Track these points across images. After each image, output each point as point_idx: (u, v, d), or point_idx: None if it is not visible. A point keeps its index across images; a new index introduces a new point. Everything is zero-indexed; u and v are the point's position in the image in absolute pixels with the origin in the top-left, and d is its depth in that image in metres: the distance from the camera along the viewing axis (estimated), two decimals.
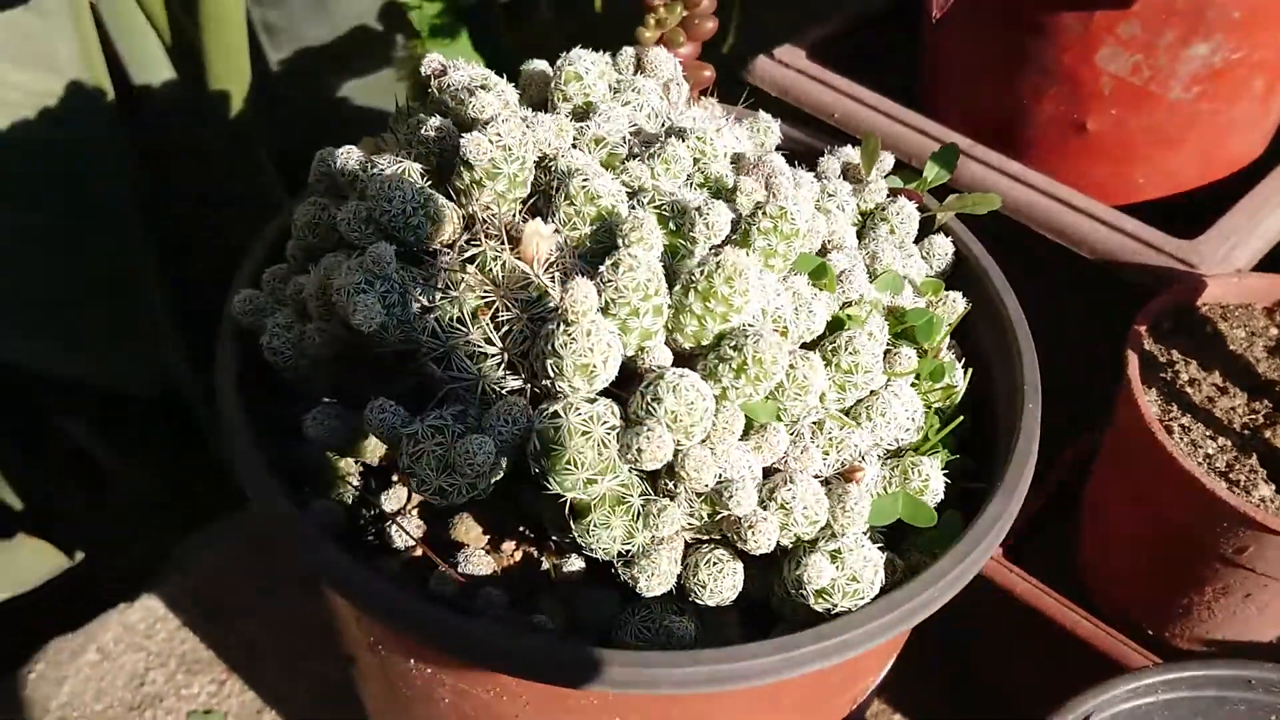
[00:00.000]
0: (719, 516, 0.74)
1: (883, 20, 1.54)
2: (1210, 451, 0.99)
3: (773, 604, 0.79)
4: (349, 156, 0.82)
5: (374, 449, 0.88)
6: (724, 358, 0.72)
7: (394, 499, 0.87)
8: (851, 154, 1.03)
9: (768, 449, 0.75)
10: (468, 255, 0.74)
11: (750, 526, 0.72)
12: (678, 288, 0.73)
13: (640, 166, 0.80)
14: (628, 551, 0.74)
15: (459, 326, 0.73)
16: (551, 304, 0.73)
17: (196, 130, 1.48)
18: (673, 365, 0.74)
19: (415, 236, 0.76)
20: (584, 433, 0.69)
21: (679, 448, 0.71)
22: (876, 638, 0.73)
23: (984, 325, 0.94)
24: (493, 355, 0.73)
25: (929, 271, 0.98)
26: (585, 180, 0.74)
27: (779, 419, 0.76)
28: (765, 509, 0.73)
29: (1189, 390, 1.03)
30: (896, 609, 0.73)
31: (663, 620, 0.76)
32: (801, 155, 1.05)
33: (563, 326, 0.68)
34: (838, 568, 0.73)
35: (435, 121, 0.79)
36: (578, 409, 0.70)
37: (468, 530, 0.85)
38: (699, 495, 0.74)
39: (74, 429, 1.53)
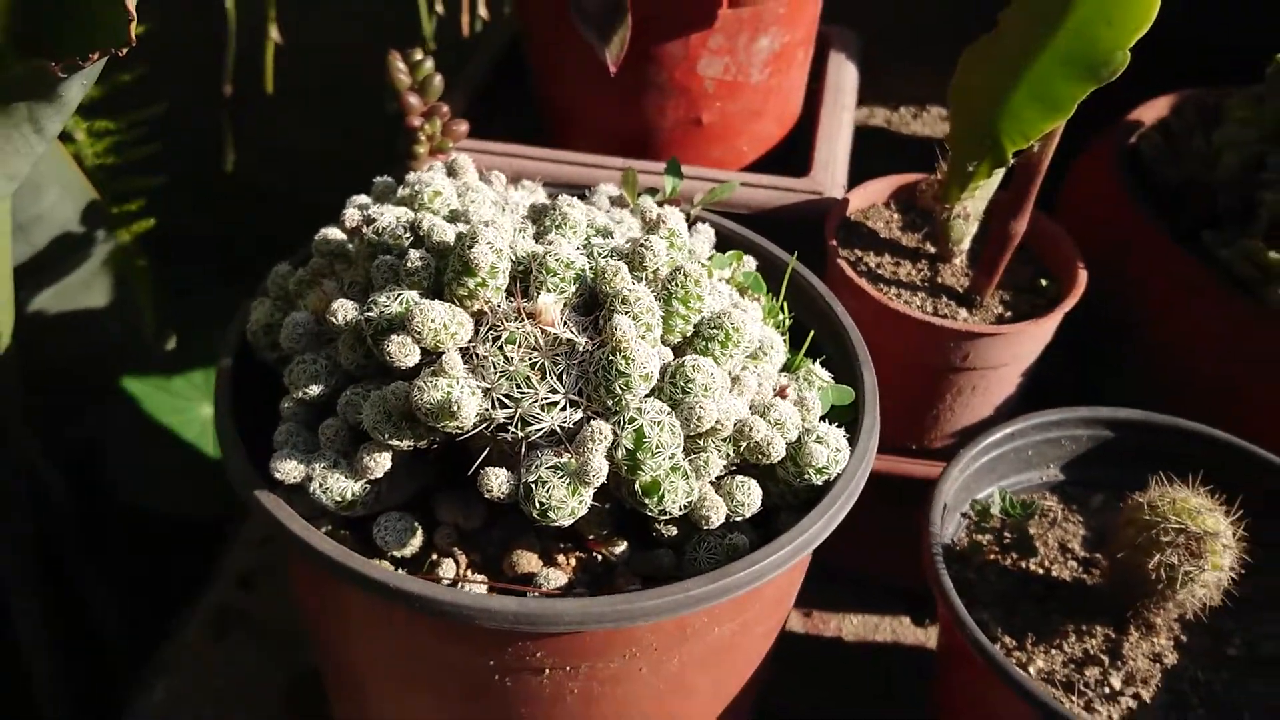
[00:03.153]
0: (743, 447, 1.01)
1: (489, 89, 1.82)
2: (918, 304, 1.41)
3: (770, 502, 1.07)
4: (344, 309, 0.97)
5: (419, 537, 1.04)
6: (709, 337, 0.99)
7: (448, 568, 1.04)
8: (609, 189, 1.32)
9: (746, 390, 1.03)
10: (504, 339, 0.94)
11: (769, 443, 1.00)
12: (660, 302, 0.98)
13: (557, 236, 1.04)
14: (689, 503, 0.99)
15: (526, 389, 0.93)
16: (581, 348, 0.95)
17: None
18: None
19: (452, 344, 0.95)
20: (657, 424, 0.93)
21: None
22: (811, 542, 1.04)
23: (764, 272, 1.28)
24: (559, 401, 0.94)
25: (708, 249, 1.29)
26: (556, 255, 0.97)
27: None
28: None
29: (880, 271, 1.45)
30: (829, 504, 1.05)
31: (723, 541, 1.02)
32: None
33: (618, 355, 0.92)
34: (825, 446, 1.03)
35: (417, 254, 0.97)
36: (644, 409, 0.94)
37: (528, 561, 1.04)
38: (723, 439, 1.00)
39: None
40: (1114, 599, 1.24)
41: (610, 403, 0.94)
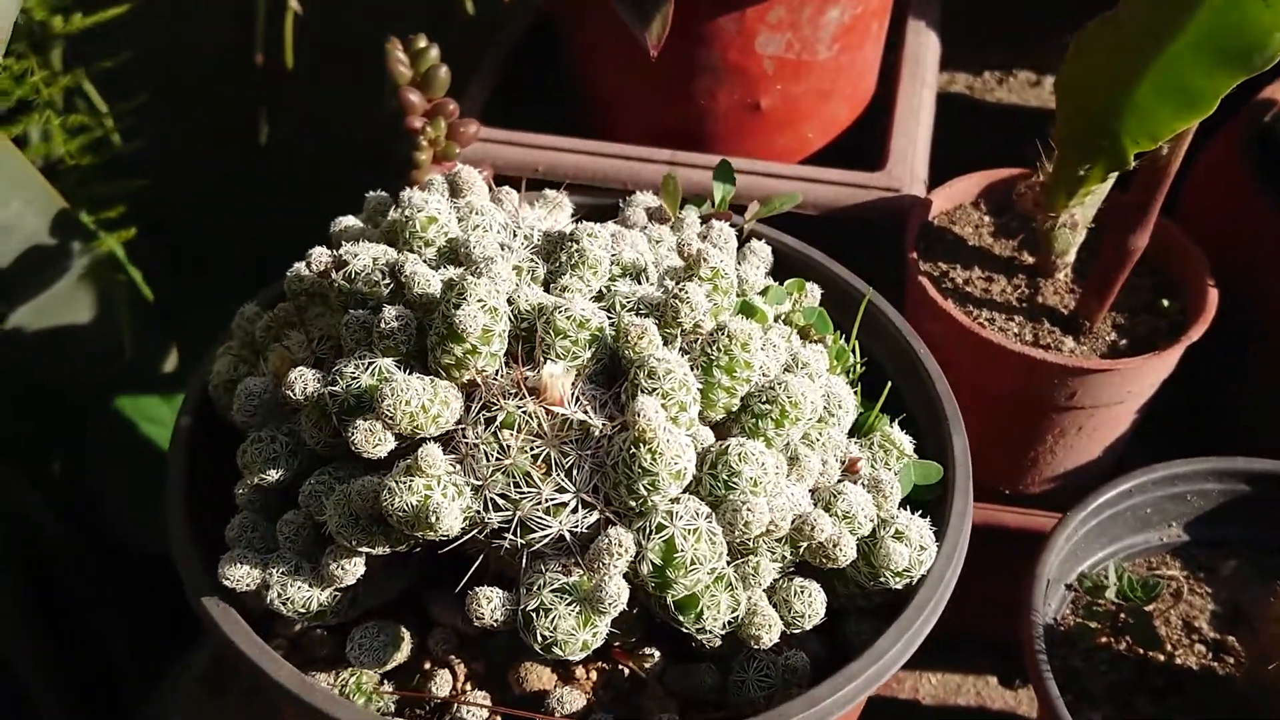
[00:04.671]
0: (803, 549, 0.81)
1: (516, 73, 1.61)
2: (1014, 330, 1.18)
3: (837, 603, 0.87)
4: (303, 381, 0.78)
5: (406, 647, 0.86)
6: (760, 413, 0.79)
7: (443, 683, 0.86)
8: (646, 200, 1.11)
9: (806, 474, 0.82)
10: (500, 422, 0.75)
11: (836, 544, 0.79)
12: (697, 371, 0.78)
13: (573, 280, 0.84)
14: (734, 619, 0.79)
15: (527, 488, 0.74)
16: (597, 433, 0.75)
17: None
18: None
19: (434, 428, 0.75)
20: (693, 530, 0.74)
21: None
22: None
23: (831, 300, 1.06)
24: (568, 501, 0.74)
25: (762, 275, 1.08)
26: (567, 311, 0.77)
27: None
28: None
29: (969, 289, 1.22)
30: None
31: (778, 661, 0.82)
32: (589, 213, 1.12)
33: (642, 447, 0.72)
34: (907, 545, 0.82)
35: (393, 312, 0.77)
36: (675, 513, 0.74)
37: (538, 676, 0.85)
38: (778, 539, 0.80)
39: None
40: (1253, 700, 1.02)
41: (633, 503, 0.74)
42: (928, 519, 0.85)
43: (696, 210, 1.11)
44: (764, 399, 0.79)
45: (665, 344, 0.80)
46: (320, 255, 0.84)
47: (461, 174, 1.00)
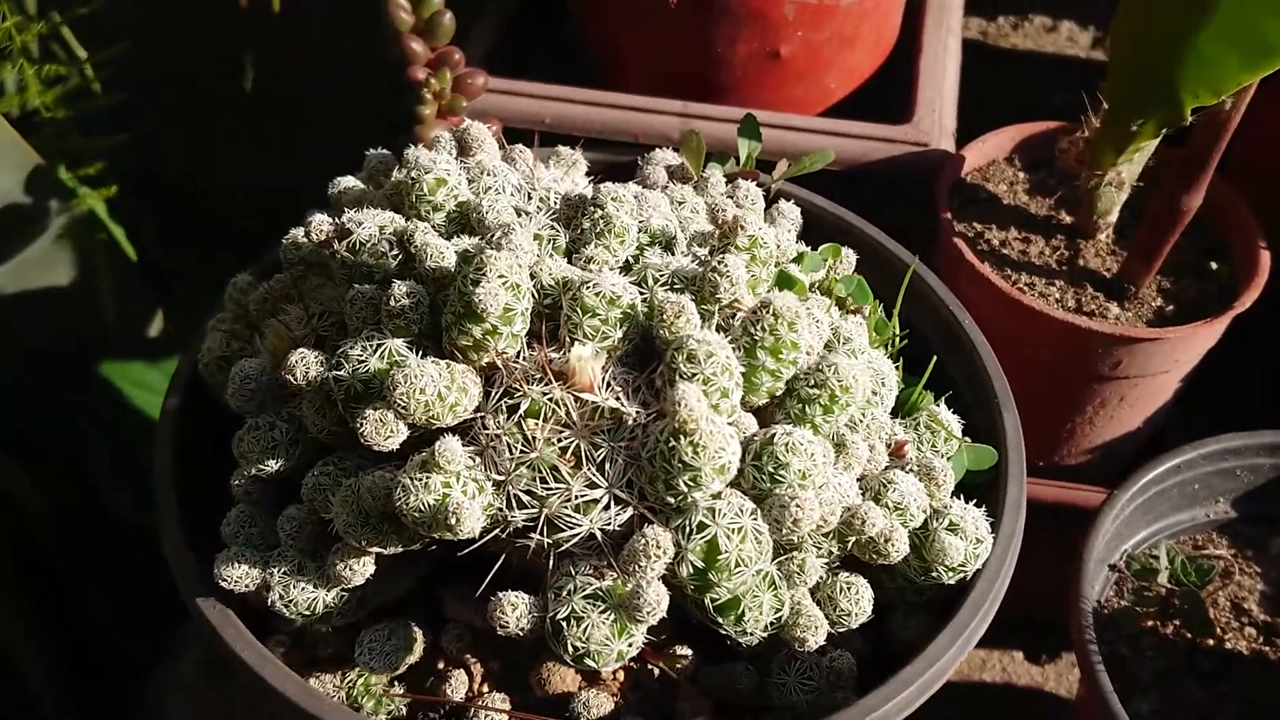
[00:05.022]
0: (850, 544, 0.74)
1: (521, 21, 1.52)
2: (1056, 296, 1.11)
3: (883, 597, 0.81)
4: (305, 364, 0.71)
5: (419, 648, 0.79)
6: (808, 398, 0.72)
7: (459, 685, 0.80)
8: (666, 157, 1.04)
9: (854, 462, 0.76)
10: (524, 410, 0.68)
11: (888, 539, 0.73)
12: (739, 352, 0.71)
13: (599, 250, 0.76)
14: (776, 620, 0.73)
15: (554, 483, 0.67)
16: (630, 423, 0.68)
17: None
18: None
19: (450, 417, 0.68)
20: (737, 529, 0.67)
21: None
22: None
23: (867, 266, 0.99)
24: (600, 498, 0.68)
25: (793, 239, 1.01)
26: (597, 287, 0.70)
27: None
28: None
29: (1006, 251, 1.15)
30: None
31: (822, 663, 0.76)
32: (604, 171, 1.05)
33: (682, 439, 0.65)
34: (962, 538, 0.76)
35: (403, 289, 0.70)
36: (718, 509, 0.67)
37: (562, 677, 0.79)
38: (825, 534, 0.74)
39: None
40: None
41: (671, 499, 0.67)
42: (982, 507, 0.79)
43: (720, 168, 1.04)
44: (811, 382, 0.72)
45: (702, 321, 0.72)
46: (321, 223, 0.76)
47: (470, 130, 0.92)
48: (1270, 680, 0.99)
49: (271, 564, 0.73)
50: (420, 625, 0.80)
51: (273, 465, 0.74)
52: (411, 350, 0.70)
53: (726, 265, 0.71)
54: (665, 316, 0.69)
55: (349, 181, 0.92)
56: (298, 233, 0.83)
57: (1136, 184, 1.12)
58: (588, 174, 1.04)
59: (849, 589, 0.75)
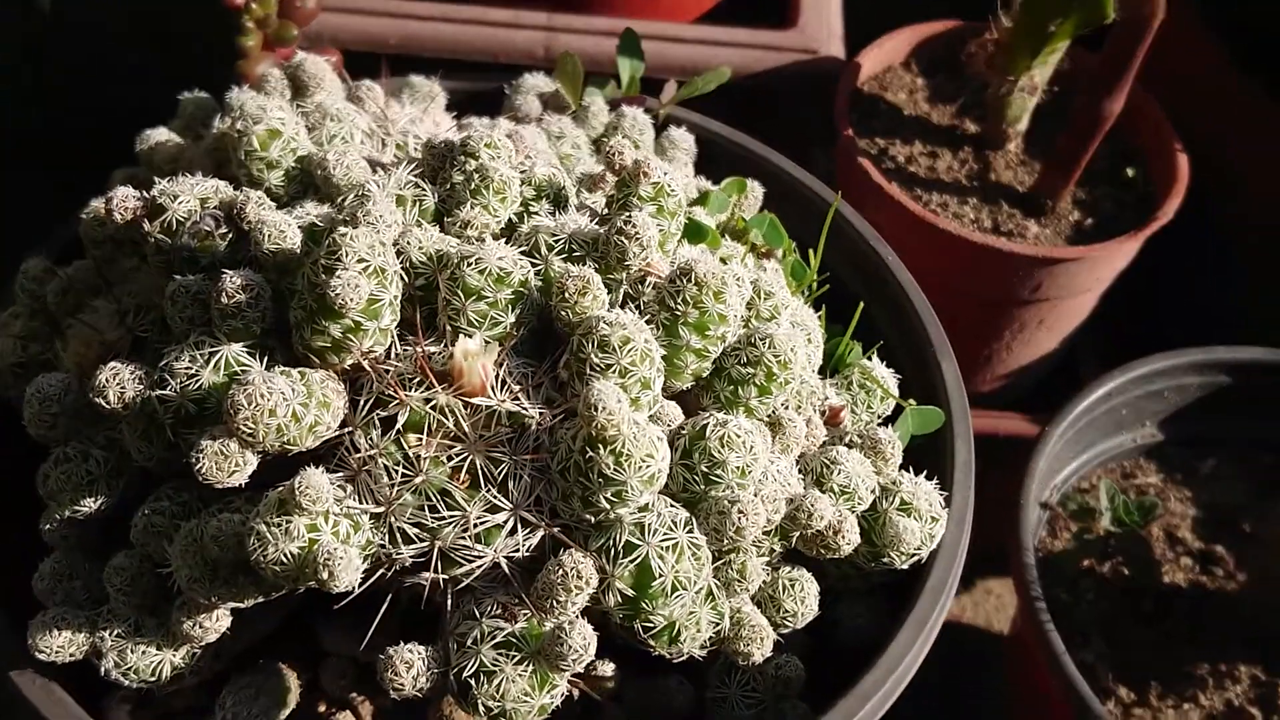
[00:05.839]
0: (795, 539, 0.64)
1: None
2: (970, 216, 1.02)
3: (826, 584, 0.72)
4: (118, 383, 0.56)
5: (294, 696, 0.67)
6: (740, 378, 0.61)
7: None
8: (537, 83, 0.90)
9: (793, 443, 0.65)
10: (403, 423, 0.55)
11: (836, 532, 0.63)
12: (658, 331, 0.59)
13: (478, 212, 0.63)
14: (716, 634, 0.63)
15: (447, 511, 0.55)
16: (534, 426, 0.56)
17: None
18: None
19: (311, 439, 0.55)
20: (671, 546, 0.56)
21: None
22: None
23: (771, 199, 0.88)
24: (505, 522, 0.56)
25: (690, 174, 0.89)
26: (480, 262, 0.57)
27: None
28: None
29: (913, 169, 1.06)
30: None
31: (766, 671, 0.66)
32: (470, 103, 0.91)
33: (602, 448, 0.53)
34: (916, 518, 0.67)
35: (237, 280, 0.56)
36: (650, 528, 0.56)
37: (465, 713, 0.68)
38: (765, 532, 0.63)
39: None
40: (1256, 614, 0.93)
41: (591, 516, 0.56)
42: (927, 475, 0.69)
43: (601, 94, 0.91)
44: (743, 359, 0.61)
45: (608, 292, 0.60)
46: (126, 199, 0.61)
47: (305, 66, 0.77)
48: (1214, 614, 0.95)
49: (101, 625, 0.59)
50: (293, 664, 0.68)
51: (90, 504, 0.60)
52: (254, 356, 0.57)
53: (635, 225, 0.59)
54: (567, 295, 0.57)
55: (160, 134, 0.76)
56: (99, 205, 0.67)
57: (1048, 89, 1.03)
58: (447, 108, 0.89)
59: (792, 587, 0.66)
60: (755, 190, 0.85)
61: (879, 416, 0.75)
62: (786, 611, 0.65)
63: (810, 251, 0.81)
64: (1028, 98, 1.02)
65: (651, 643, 0.61)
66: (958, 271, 1.00)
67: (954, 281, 1.02)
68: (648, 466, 0.54)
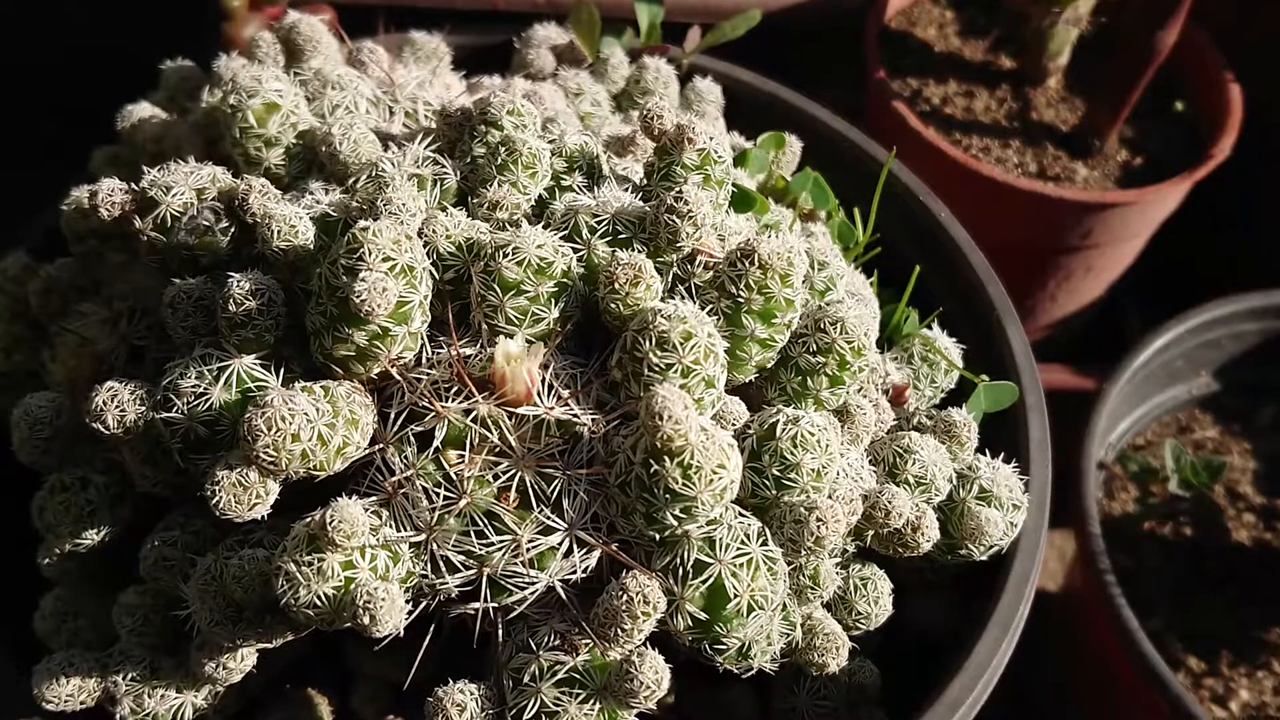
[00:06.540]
0: (869, 537, 0.59)
1: None
2: (1014, 160, 0.96)
3: (896, 577, 0.66)
4: (116, 405, 0.50)
5: None
6: (810, 368, 0.55)
7: None
8: (550, 35, 0.83)
9: (861, 431, 0.60)
10: (442, 439, 0.49)
11: (916, 529, 0.57)
12: (719, 320, 0.53)
13: (506, 191, 0.56)
14: (788, 646, 0.57)
15: (495, 535, 0.49)
16: (587, 435, 0.50)
17: None
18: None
19: (339, 463, 0.49)
20: (745, 562, 0.50)
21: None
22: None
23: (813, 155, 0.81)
24: (560, 544, 0.50)
25: (722, 130, 0.82)
26: (519, 252, 0.50)
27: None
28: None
29: (949, 111, 0.99)
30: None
31: (839, 678, 0.61)
32: (477, 60, 0.84)
33: (668, 461, 0.47)
34: (996, 507, 0.61)
35: (246, 285, 0.49)
36: (721, 543, 0.50)
37: None
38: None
39: None
40: None
41: (655, 533, 0.50)
42: (1002, 457, 0.64)
43: (619, 43, 0.83)
44: (811, 346, 0.55)
45: (658, 277, 0.54)
46: (112, 192, 0.54)
47: (299, 28, 0.70)
48: (1274, 572, 0.90)
49: (113, 668, 0.53)
50: (321, 689, 0.63)
51: (92, 536, 0.54)
52: (268, 369, 0.50)
53: (688, 203, 0.53)
54: (618, 286, 0.50)
55: (144, 110, 0.69)
56: (80, 195, 0.60)
57: (1091, 18, 0.96)
58: (454, 66, 0.82)
59: (864, 586, 0.60)
60: (794, 145, 0.78)
61: (942, 391, 0.69)
62: (859, 614, 0.60)
63: (855, 211, 0.75)
64: (1071, 29, 0.95)
65: (719, 659, 0.55)
66: (1003, 220, 0.94)
67: (999, 230, 0.95)
68: (719, 479, 0.48)
